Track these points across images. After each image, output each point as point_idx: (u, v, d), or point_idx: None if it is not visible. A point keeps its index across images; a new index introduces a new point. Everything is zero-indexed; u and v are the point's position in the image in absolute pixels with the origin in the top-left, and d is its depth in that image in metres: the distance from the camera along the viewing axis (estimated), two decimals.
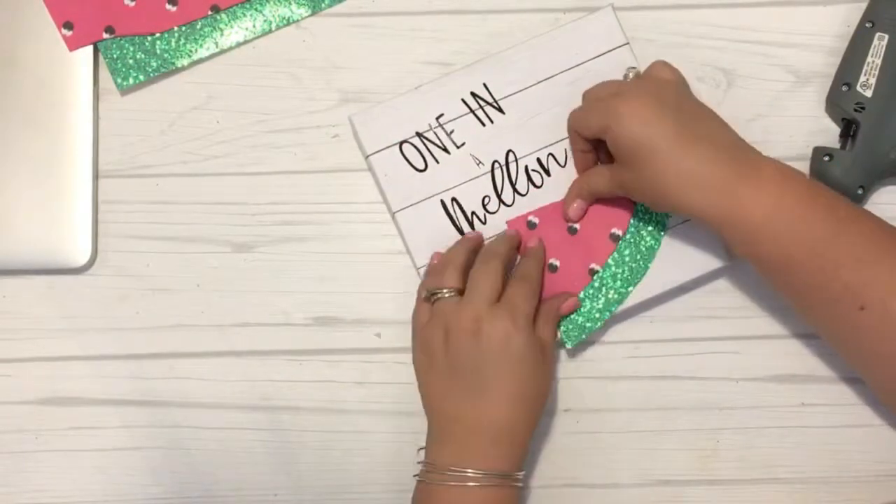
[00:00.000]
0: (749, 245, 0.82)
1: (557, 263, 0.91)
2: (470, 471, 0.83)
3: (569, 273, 0.91)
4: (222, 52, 0.96)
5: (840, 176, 0.92)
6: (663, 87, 0.86)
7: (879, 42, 0.93)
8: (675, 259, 0.91)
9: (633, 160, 0.83)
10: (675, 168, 0.82)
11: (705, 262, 0.92)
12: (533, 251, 0.91)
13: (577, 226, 0.92)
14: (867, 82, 0.92)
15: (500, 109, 0.93)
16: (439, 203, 0.92)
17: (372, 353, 0.94)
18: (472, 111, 0.93)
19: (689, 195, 0.82)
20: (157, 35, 0.95)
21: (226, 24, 0.96)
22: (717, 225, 0.82)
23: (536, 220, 0.92)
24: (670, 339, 0.94)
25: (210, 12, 0.95)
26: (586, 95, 0.90)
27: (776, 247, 0.82)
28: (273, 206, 0.95)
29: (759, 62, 0.96)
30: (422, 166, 0.93)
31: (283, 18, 0.96)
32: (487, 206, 0.92)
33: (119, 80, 0.95)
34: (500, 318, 0.84)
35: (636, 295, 0.91)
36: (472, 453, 0.84)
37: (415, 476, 0.86)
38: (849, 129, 0.93)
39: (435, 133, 0.93)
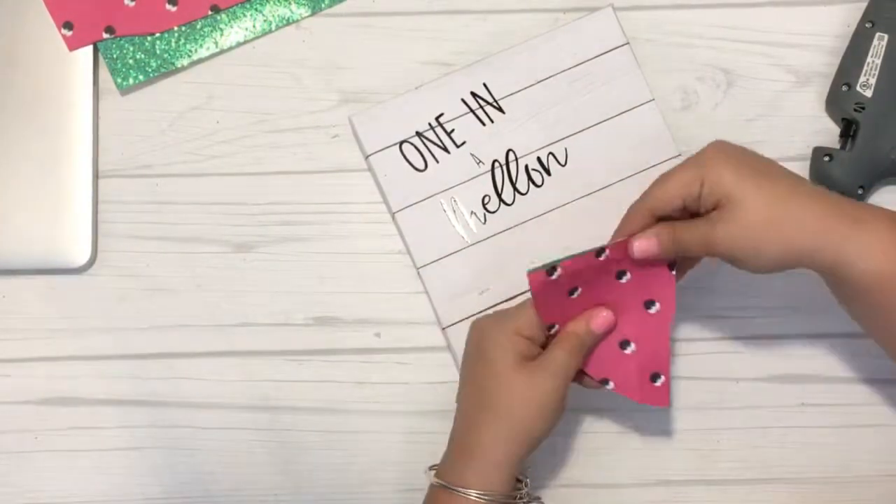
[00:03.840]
0: (858, 291, 0.80)
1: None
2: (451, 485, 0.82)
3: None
4: (222, 52, 0.96)
5: (840, 176, 0.92)
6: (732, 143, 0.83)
7: (879, 42, 0.93)
8: None
9: (735, 205, 0.78)
10: (783, 210, 0.78)
11: None
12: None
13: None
14: (867, 82, 0.92)
15: (500, 109, 0.93)
16: (439, 203, 0.92)
17: (372, 353, 0.94)
18: (472, 111, 0.93)
19: (797, 238, 0.78)
20: (157, 35, 0.95)
21: (226, 24, 0.96)
22: (828, 267, 0.79)
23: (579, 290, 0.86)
24: (670, 339, 0.94)
25: (210, 12, 0.95)
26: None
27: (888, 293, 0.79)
28: (273, 206, 0.95)
29: (759, 62, 0.96)
30: (422, 166, 0.93)
31: (283, 18, 0.96)
32: (487, 206, 0.92)
33: (119, 80, 0.95)
34: (482, 319, 0.85)
35: None
36: (444, 466, 0.84)
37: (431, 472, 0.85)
38: (849, 129, 0.93)
39: (435, 133, 0.93)
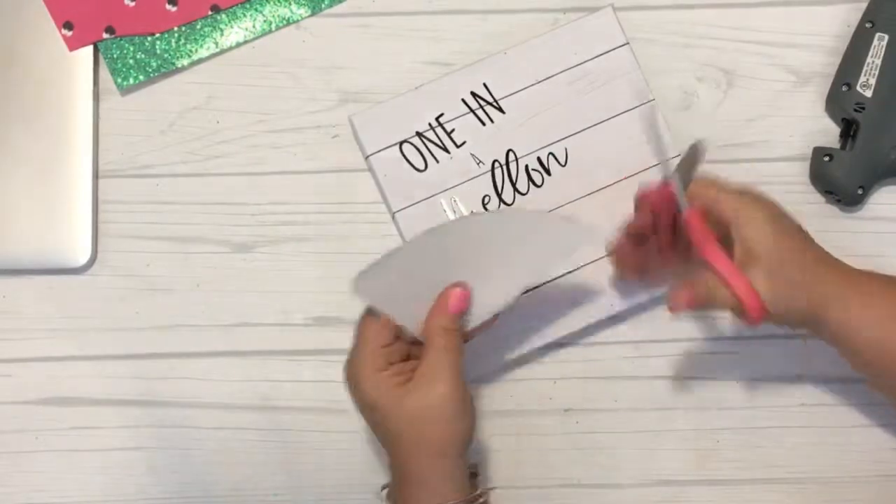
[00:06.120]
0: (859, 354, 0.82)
1: None
2: None
3: None
4: (222, 52, 0.96)
5: (840, 176, 0.92)
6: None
7: (879, 42, 0.93)
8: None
9: (772, 247, 0.80)
10: (815, 259, 0.81)
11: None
12: None
13: None
14: (867, 82, 0.92)
15: (500, 109, 0.93)
16: (439, 203, 0.92)
17: None
18: (472, 111, 0.93)
19: (823, 285, 0.80)
20: (157, 35, 0.95)
21: (226, 24, 0.96)
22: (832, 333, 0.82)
23: None
24: (670, 339, 0.94)
25: (210, 12, 0.95)
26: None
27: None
28: (273, 206, 0.95)
29: (759, 62, 0.96)
30: (422, 166, 0.93)
31: (283, 18, 0.96)
32: (487, 206, 0.92)
33: (119, 80, 0.95)
34: (348, 368, 0.84)
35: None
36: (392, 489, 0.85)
37: None
38: (849, 129, 0.93)
39: (435, 133, 0.93)
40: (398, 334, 0.82)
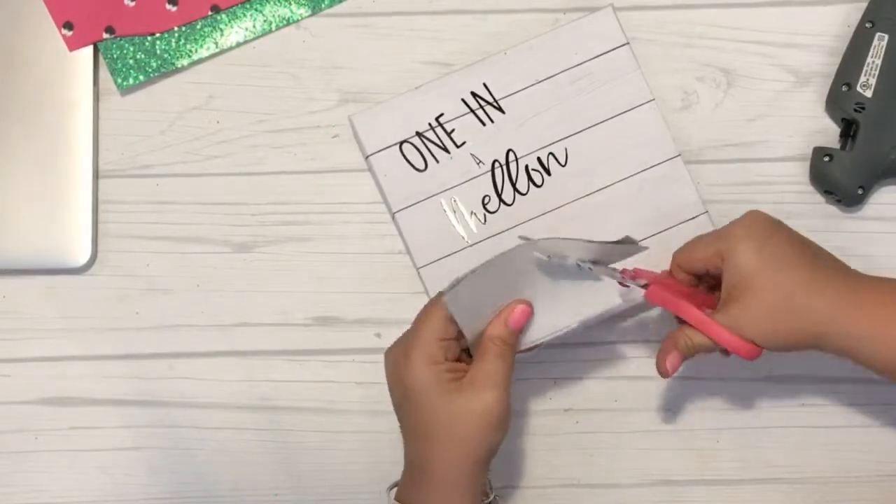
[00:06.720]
0: (872, 370, 0.82)
1: None
2: None
3: None
4: (222, 52, 0.96)
5: (840, 176, 0.92)
6: (767, 216, 0.84)
7: (879, 42, 0.93)
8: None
9: (751, 295, 0.80)
10: (796, 300, 0.80)
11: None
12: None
13: None
14: (867, 82, 0.92)
15: (500, 109, 0.93)
16: (439, 203, 0.92)
17: (372, 353, 0.94)
18: (472, 111, 0.93)
19: (807, 327, 0.80)
20: (157, 35, 0.95)
21: (226, 24, 0.96)
22: (840, 351, 0.81)
23: None
24: None
25: (210, 12, 0.95)
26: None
27: None
28: (273, 206, 0.95)
29: (759, 62, 0.96)
30: (422, 166, 0.93)
31: (283, 18, 0.96)
32: (487, 206, 0.92)
33: (119, 80, 0.95)
34: (395, 352, 0.83)
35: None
36: (404, 487, 0.83)
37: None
38: (849, 129, 0.93)
39: (435, 133, 0.93)
40: (458, 335, 0.82)
